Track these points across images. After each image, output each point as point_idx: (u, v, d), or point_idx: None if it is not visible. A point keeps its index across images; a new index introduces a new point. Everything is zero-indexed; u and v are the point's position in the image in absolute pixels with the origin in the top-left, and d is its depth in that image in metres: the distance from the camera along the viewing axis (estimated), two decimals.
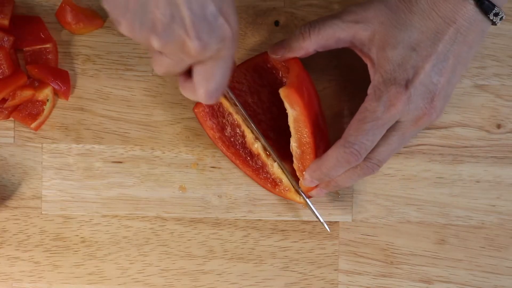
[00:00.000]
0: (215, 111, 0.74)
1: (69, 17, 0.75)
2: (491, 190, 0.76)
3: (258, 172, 0.75)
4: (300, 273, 0.76)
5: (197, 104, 0.74)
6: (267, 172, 0.74)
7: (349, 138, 0.67)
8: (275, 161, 0.74)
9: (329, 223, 0.76)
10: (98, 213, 0.76)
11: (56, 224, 0.76)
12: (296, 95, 0.70)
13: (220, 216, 0.76)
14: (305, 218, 0.76)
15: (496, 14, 0.66)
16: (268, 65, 0.75)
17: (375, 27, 0.67)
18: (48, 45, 0.75)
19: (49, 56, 0.75)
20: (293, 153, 0.72)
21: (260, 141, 0.74)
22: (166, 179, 0.76)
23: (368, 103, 0.67)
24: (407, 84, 0.66)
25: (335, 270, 0.76)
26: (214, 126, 0.74)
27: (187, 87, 0.64)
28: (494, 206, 0.76)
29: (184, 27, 0.57)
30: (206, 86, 0.62)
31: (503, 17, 0.67)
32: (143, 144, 0.76)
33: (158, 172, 0.76)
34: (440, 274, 0.76)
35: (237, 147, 0.75)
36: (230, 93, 0.72)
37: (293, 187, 0.74)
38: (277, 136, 0.75)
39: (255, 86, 0.75)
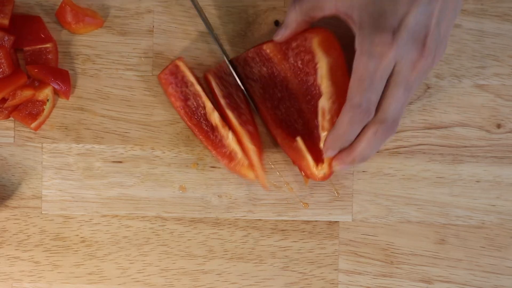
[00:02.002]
0: (178, 80, 0.74)
1: (69, 17, 0.75)
2: (491, 190, 0.76)
3: (217, 146, 0.74)
4: (300, 273, 0.76)
5: (162, 70, 0.74)
6: (224, 146, 0.74)
7: (353, 100, 0.68)
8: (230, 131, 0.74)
9: (329, 223, 0.76)
10: (98, 213, 0.76)
11: (56, 224, 0.76)
12: (333, 38, 0.71)
13: (220, 216, 0.76)
14: (305, 218, 0.76)
15: None
16: (257, 59, 0.75)
17: None
18: (48, 45, 0.75)
19: (49, 56, 0.75)
20: (323, 114, 0.72)
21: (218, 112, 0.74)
22: (166, 179, 0.76)
23: (358, 60, 0.67)
24: (393, 31, 0.66)
25: (335, 270, 0.76)
26: (177, 95, 0.74)
27: None
28: (494, 206, 0.76)
29: None
30: None
31: None
32: (143, 144, 0.76)
33: (158, 172, 0.76)
34: (440, 274, 0.76)
35: (199, 119, 0.74)
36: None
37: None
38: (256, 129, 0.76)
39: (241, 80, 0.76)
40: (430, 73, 0.76)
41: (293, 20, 0.72)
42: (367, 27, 0.67)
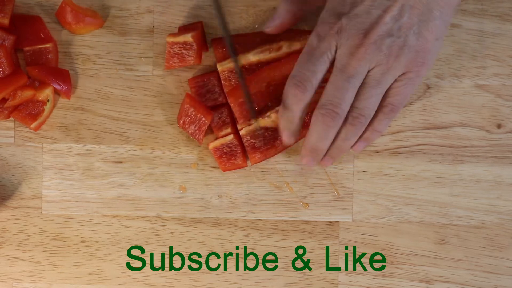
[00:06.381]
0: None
1: (69, 17, 0.75)
2: (491, 190, 0.76)
3: None
4: (300, 273, 0.76)
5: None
6: None
7: (292, 73, 0.69)
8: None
9: (329, 223, 0.76)
10: (98, 213, 0.76)
11: (56, 224, 0.76)
12: None
13: (220, 216, 0.76)
14: (305, 218, 0.76)
15: None
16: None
17: None
18: (48, 45, 0.75)
19: (49, 56, 0.75)
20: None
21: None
22: (166, 179, 0.76)
23: (308, 40, 0.70)
24: (340, 15, 0.67)
25: (335, 270, 0.76)
26: None
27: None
28: (494, 206, 0.76)
29: None
30: None
31: None
32: (143, 144, 0.76)
33: (158, 172, 0.76)
34: (440, 274, 0.76)
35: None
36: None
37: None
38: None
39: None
40: (428, 73, 0.75)
41: (285, 10, 0.73)
42: (326, 10, 0.69)
